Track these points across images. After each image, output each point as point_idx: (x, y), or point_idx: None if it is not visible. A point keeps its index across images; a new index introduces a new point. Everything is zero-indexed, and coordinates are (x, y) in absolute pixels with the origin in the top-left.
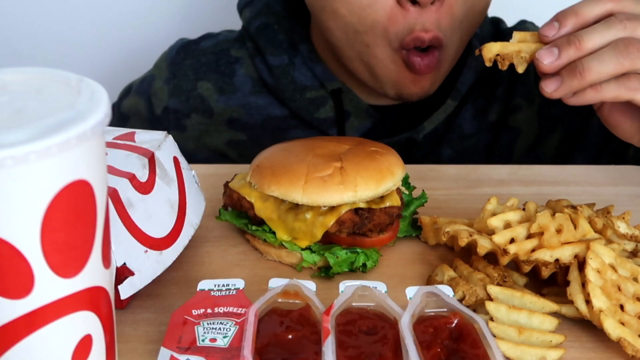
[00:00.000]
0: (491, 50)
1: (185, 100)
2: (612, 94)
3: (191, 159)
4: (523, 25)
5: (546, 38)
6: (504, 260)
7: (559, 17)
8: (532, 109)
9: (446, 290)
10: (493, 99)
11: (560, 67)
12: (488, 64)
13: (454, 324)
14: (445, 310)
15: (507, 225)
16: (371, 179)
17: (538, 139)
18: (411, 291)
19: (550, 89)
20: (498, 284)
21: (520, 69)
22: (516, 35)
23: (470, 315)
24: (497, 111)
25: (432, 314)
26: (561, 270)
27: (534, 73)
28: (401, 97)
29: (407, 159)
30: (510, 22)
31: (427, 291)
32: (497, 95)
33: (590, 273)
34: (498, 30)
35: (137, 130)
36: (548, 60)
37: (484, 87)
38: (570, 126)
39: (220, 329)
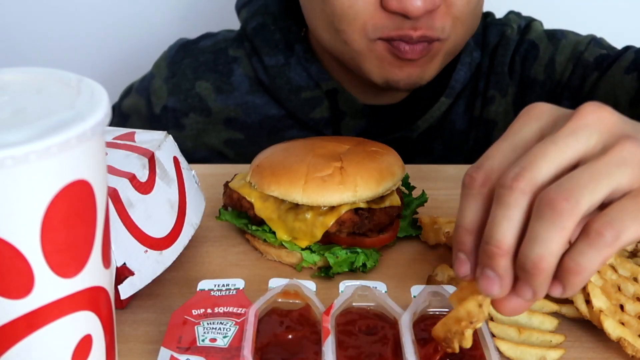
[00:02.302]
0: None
1: (184, 99)
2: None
3: (189, 157)
4: (511, 15)
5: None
6: None
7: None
8: (505, 100)
9: (452, 290)
10: (477, 93)
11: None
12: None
13: None
14: (448, 310)
15: None
16: (371, 179)
17: None
18: (416, 290)
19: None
20: None
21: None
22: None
23: None
24: (479, 106)
25: (435, 313)
26: None
27: (508, 64)
28: (388, 83)
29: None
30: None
31: (432, 290)
32: (479, 89)
33: None
34: (484, 23)
35: (137, 130)
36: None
37: (473, 82)
38: None
39: (220, 329)
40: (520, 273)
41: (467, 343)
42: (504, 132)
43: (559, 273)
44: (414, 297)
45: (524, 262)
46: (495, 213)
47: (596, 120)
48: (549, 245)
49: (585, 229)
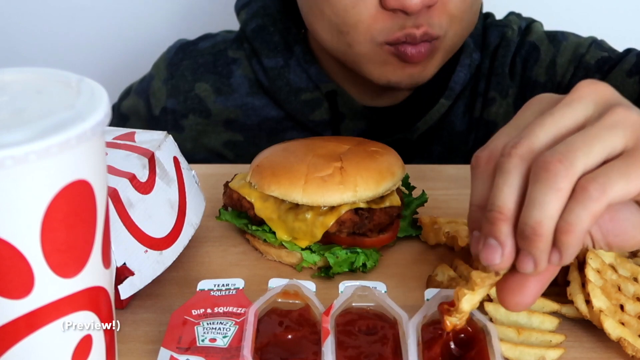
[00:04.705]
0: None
1: (183, 100)
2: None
3: (189, 159)
4: (511, 16)
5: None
6: None
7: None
8: (506, 102)
9: None
10: (477, 94)
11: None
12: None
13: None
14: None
15: None
16: (371, 179)
17: None
18: (430, 293)
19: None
20: None
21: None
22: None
23: (485, 324)
24: (479, 107)
25: None
26: (561, 270)
27: (508, 66)
28: (389, 84)
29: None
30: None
31: (445, 295)
32: (479, 90)
33: (590, 273)
34: (484, 25)
35: (137, 130)
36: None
37: (473, 83)
38: None
39: (220, 329)
40: (521, 242)
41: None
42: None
43: (555, 237)
44: (427, 299)
45: (523, 229)
46: (497, 181)
47: (591, 92)
48: (547, 209)
49: (574, 188)
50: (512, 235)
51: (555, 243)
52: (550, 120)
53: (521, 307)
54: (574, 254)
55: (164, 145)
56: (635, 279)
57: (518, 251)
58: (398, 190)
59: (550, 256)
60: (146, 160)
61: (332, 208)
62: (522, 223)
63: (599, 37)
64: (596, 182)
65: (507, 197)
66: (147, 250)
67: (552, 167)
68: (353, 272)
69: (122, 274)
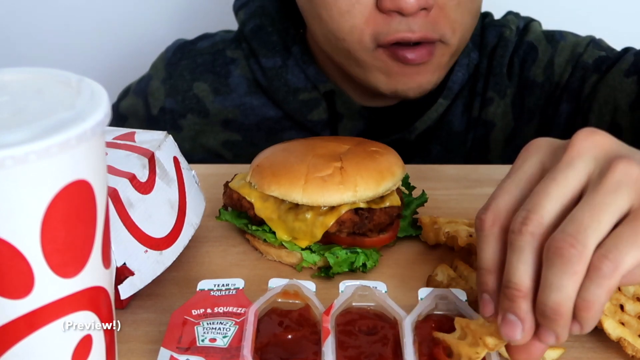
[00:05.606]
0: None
1: (182, 100)
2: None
3: (187, 159)
4: (509, 16)
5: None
6: None
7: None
8: (504, 102)
9: (460, 295)
10: (475, 94)
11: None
12: None
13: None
14: (454, 313)
15: None
16: (371, 179)
17: (515, 131)
18: (423, 292)
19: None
20: None
21: None
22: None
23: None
24: (477, 107)
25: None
26: None
27: (506, 66)
28: (397, 94)
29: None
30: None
31: (439, 294)
32: (477, 90)
33: None
34: (482, 24)
35: (137, 130)
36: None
37: (471, 83)
38: (545, 114)
39: (220, 329)
40: (541, 320)
41: None
42: (508, 171)
43: (575, 313)
44: (421, 299)
45: (543, 309)
46: (511, 258)
47: (590, 147)
48: (564, 291)
49: (589, 266)
50: (532, 310)
51: (576, 317)
52: (555, 188)
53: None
54: (594, 324)
55: (164, 145)
56: None
57: (537, 323)
58: (398, 190)
59: (571, 328)
60: (146, 160)
61: (332, 208)
62: (541, 304)
63: (598, 37)
64: (607, 259)
65: (523, 274)
66: (147, 250)
67: (565, 252)
68: (353, 272)
69: (122, 274)
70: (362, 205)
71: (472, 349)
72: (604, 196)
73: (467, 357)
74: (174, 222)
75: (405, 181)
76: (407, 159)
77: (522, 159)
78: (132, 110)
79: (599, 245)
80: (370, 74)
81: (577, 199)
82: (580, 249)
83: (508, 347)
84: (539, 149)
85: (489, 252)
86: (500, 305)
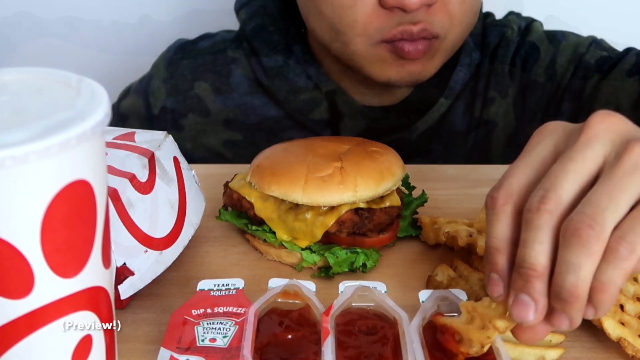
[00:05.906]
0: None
1: (183, 100)
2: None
3: (188, 158)
4: (511, 16)
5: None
6: None
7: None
8: (505, 101)
9: (461, 295)
10: (476, 94)
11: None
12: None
13: None
14: (455, 314)
15: None
16: (371, 179)
17: (517, 131)
18: (424, 294)
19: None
20: None
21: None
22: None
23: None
24: (479, 106)
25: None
26: None
27: (508, 66)
28: (390, 82)
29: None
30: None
31: (440, 295)
32: (479, 90)
33: None
34: (483, 24)
35: (137, 130)
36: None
37: (472, 83)
38: (547, 114)
39: (219, 329)
40: (556, 303)
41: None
42: (521, 153)
43: (590, 295)
44: (422, 302)
45: (559, 291)
46: (526, 237)
47: (606, 129)
48: (582, 272)
49: (605, 248)
50: (546, 292)
51: (591, 300)
52: (572, 167)
53: (533, 341)
54: (609, 308)
55: (164, 145)
56: (635, 279)
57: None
58: (398, 190)
59: (586, 311)
60: (146, 160)
61: (332, 208)
62: (557, 286)
63: (599, 37)
64: (625, 241)
65: (540, 254)
66: (147, 250)
67: (583, 233)
68: (353, 272)
69: (122, 274)
70: (362, 205)
71: (483, 333)
72: (621, 178)
73: (478, 343)
74: (174, 222)
75: (405, 181)
76: (408, 159)
77: (536, 141)
78: (133, 109)
79: (616, 228)
80: (364, 65)
81: (593, 181)
82: (598, 230)
83: (515, 329)
84: (553, 131)
85: (499, 231)
86: (513, 285)
